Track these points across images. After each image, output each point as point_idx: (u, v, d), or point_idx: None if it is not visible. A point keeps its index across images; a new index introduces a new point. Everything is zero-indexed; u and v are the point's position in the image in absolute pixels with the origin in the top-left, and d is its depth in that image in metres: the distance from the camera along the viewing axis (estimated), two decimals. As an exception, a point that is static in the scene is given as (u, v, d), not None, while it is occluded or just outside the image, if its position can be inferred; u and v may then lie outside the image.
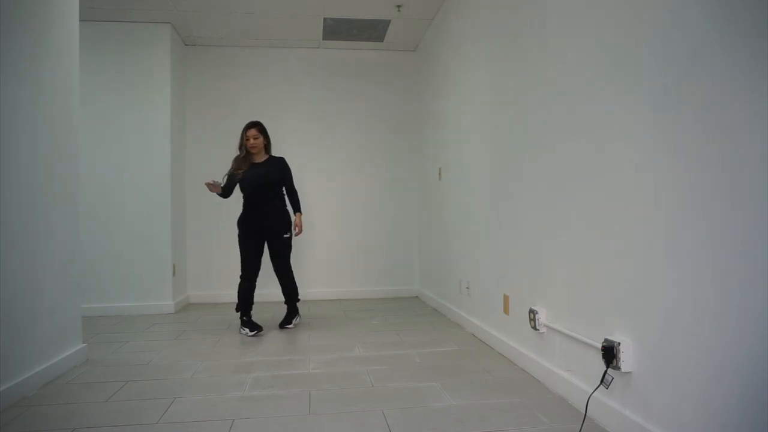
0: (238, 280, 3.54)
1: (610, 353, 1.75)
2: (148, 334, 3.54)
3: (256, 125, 3.66)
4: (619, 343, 1.72)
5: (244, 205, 3.66)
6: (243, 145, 3.64)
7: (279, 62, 5.09)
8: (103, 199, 4.37)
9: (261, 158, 3.69)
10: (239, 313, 3.61)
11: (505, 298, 2.84)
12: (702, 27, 1.39)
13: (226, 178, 3.62)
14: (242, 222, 3.63)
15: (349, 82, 5.17)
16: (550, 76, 2.30)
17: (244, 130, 3.66)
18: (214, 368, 2.69)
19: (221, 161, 5.00)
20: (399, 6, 4.19)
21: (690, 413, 1.44)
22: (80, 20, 3.08)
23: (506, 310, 2.83)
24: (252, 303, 3.63)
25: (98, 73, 4.37)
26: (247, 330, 3.49)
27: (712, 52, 1.35)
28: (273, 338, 3.39)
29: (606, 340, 1.80)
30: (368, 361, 2.80)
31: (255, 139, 3.62)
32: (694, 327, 1.42)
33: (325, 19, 4.43)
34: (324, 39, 4.87)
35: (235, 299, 4.90)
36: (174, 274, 4.50)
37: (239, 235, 3.62)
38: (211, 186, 3.45)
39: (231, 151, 4.98)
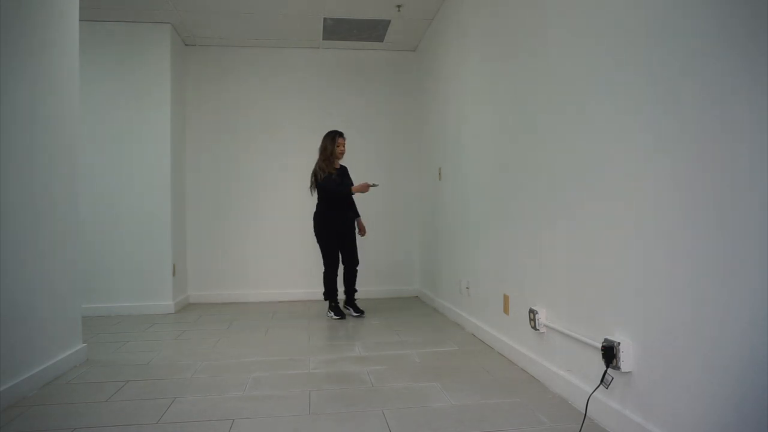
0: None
1: (610, 353, 1.75)
2: (148, 334, 3.54)
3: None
4: (619, 343, 1.72)
5: (327, 205, 4.06)
6: (333, 151, 4.05)
7: (279, 62, 5.09)
8: (103, 199, 4.37)
9: (338, 165, 4.14)
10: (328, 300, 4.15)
11: (505, 298, 2.84)
12: (702, 26, 1.39)
13: (325, 179, 4.00)
14: (328, 221, 4.06)
15: (349, 82, 5.17)
16: (551, 76, 2.30)
17: (334, 136, 4.07)
18: (214, 368, 2.69)
19: (221, 161, 5.03)
20: (399, 6, 4.19)
21: (690, 413, 1.44)
22: (80, 20, 3.08)
23: (506, 310, 2.83)
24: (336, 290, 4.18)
25: (98, 73, 4.37)
26: (332, 314, 4.06)
27: (712, 52, 1.35)
28: (273, 338, 3.39)
29: (606, 340, 1.80)
30: (368, 361, 2.80)
31: (344, 146, 4.11)
32: (694, 327, 1.42)
33: (325, 19, 4.43)
34: (324, 39, 4.87)
35: (235, 299, 4.95)
36: (174, 274, 4.50)
37: (323, 232, 4.06)
38: (367, 186, 4.06)
39: (231, 151, 5.03)
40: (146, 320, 4.06)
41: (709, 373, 1.37)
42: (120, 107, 4.40)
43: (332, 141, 4.07)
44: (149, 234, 4.42)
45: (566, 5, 2.15)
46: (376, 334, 3.45)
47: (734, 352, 1.29)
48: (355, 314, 4.13)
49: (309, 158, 5.06)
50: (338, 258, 4.14)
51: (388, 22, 4.51)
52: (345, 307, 4.23)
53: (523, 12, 2.59)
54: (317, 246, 5.06)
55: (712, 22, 1.35)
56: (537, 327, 2.38)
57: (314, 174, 4.06)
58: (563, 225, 2.19)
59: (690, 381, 1.44)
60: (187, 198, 4.97)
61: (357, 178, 5.18)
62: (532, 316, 2.43)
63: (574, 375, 2.10)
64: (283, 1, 4.11)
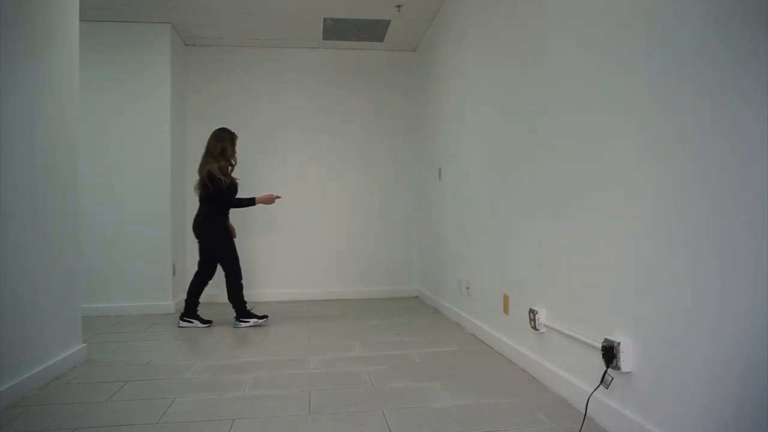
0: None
1: (610, 353, 1.75)
2: (148, 334, 3.54)
3: None
4: (619, 343, 1.72)
5: (224, 214, 3.78)
6: (233, 155, 3.80)
7: (279, 62, 5.09)
8: (103, 198, 4.36)
9: None
10: (245, 309, 3.85)
11: (505, 298, 2.84)
12: (702, 26, 1.39)
13: (231, 186, 3.75)
14: (227, 230, 3.79)
15: (349, 82, 5.17)
16: (551, 76, 2.30)
17: (233, 138, 3.81)
18: (214, 368, 2.69)
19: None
20: (399, 6, 4.19)
21: (690, 413, 1.44)
22: (80, 20, 3.08)
23: (506, 310, 2.83)
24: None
25: (98, 73, 4.36)
26: (256, 320, 3.82)
27: (713, 51, 1.35)
28: (273, 338, 3.39)
29: (606, 340, 1.80)
30: (368, 361, 2.80)
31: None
32: (694, 327, 1.42)
33: (325, 19, 4.43)
34: (324, 39, 4.87)
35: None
36: (174, 274, 4.50)
37: (230, 242, 3.78)
38: (273, 198, 3.87)
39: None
40: (146, 320, 4.06)
41: (709, 373, 1.37)
42: (120, 107, 4.40)
43: (232, 143, 3.75)
44: (149, 234, 4.41)
45: (566, 5, 2.15)
46: (376, 334, 3.45)
47: (734, 352, 1.29)
48: (261, 320, 3.88)
49: (308, 158, 5.09)
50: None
51: (388, 22, 4.51)
52: (186, 317, 3.80)
53: (523, 12, 2.59)
54: (316, 245, 5.10)
55: (712, 22, 1.35)
56: (537, 327, 2.38)
57: (214, 178, 3.59)
58: (563, 225, 2.19)
59: (690, 381, 1.44)
60: (187, 198, 4.96)
61: (358, 178, 5.20)
62: (532, 316, 2.43)
63: (574, 375, 2.10)
64: (283, 1, 4.10)
